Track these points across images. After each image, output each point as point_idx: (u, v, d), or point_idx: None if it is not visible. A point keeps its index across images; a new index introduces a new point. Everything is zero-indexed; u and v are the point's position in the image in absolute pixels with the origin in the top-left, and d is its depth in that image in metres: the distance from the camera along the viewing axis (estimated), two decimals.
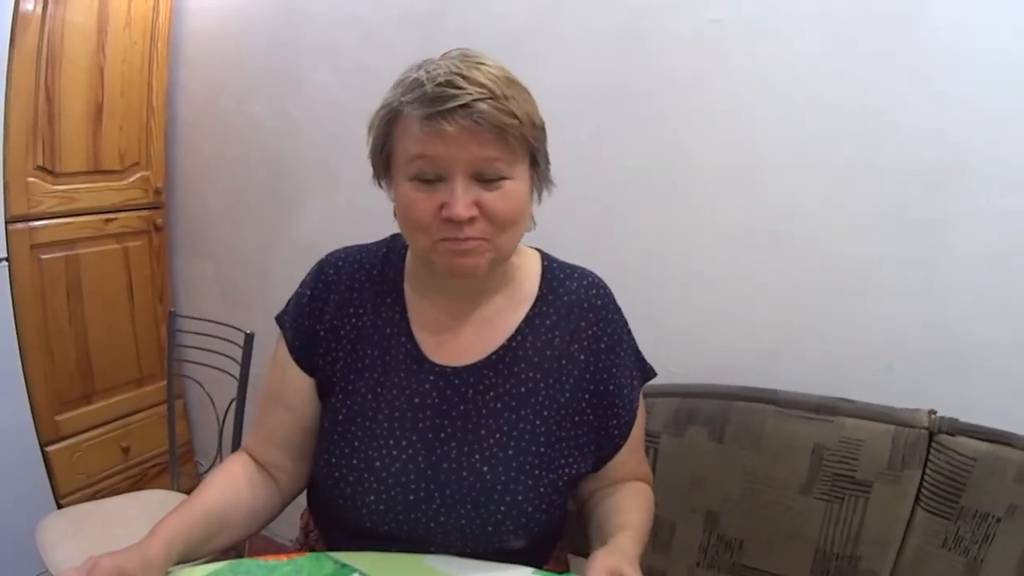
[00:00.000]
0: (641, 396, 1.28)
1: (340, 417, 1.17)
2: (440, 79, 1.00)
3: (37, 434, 2.35)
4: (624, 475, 1.27)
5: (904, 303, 1.59)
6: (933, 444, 1.45)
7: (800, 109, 1.62)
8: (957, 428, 1.44)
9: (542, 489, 1.14)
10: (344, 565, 1.14)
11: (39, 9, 2.15)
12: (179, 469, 2.33)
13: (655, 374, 1.31)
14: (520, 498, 1.12)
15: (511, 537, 1.15)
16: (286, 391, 1.21)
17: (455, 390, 1.16)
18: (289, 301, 1.25)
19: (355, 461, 1.14)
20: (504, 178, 1.05)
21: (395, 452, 1.13)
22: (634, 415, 1.24)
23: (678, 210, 1.80)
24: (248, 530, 1.20)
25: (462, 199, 1.02)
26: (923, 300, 1.57)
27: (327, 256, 1.25)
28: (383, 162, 1.11)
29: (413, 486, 1.12)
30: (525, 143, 1.07)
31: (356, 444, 1.14)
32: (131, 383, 2.65)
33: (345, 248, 1.26)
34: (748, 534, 1.58)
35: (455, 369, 1.17)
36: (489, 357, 1.17)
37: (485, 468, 1.13)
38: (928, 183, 1.52)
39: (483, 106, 1.00)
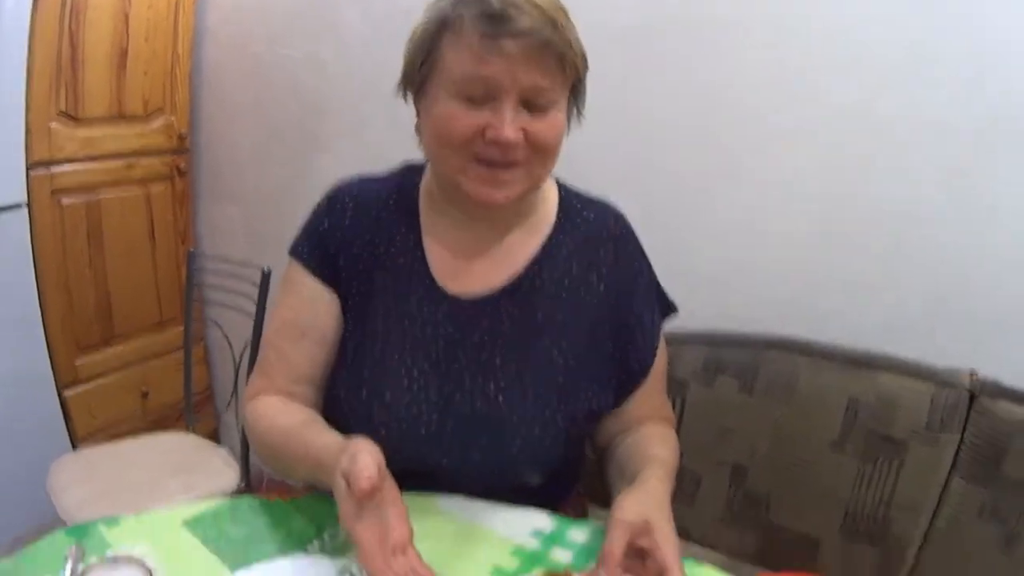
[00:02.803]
0: (662, 335, 1.23)
1: (351, 346, 1.13)
2: None
3: (55, 378, 2.33)
4: (646, 415, 1.22)
5: (945, 262, 1.52)
6: (974, 407, 1.39)
7: (842, 58, 1.56)
8: (1000, 391, 1.37)
9: (560, 423, 1.09)
10: None
11: None
12: (194, 413, 2.30)
13: (676, 310, 1.26)
14: (537, 430, 1.08)
15: (527, 473, 1.10)
16: (316, 322, 1.15)
17: (470, 320, 1.11)
18: (301, 233, 1.19)
19: (364, 393, 1.09)
20: (551, 106, 1.01)
21: (406, 383, 1.09)
22: (655, 350, 1.20)
23: (712, 154, 1.74)
24: None
25: (512, 122, 0.98)
26: (965, 260, 1.51)
27: (339, 185, 1.20)
28: (420, 76, 1.05)
29: (425, 419, 1.08)
30: (575, 73, 1.03)
31: (366, 375, 1.10)
32: (151, 327, 2.62)
33: (357, 177, 1.21)
34: (775, 491, 1.51)
35: (470, 299, 1.12)
36: (505, 286, 1.13)
37: (500, 398, 1.08)
38: (972, 139, 1.46)
39: (547, 32, 0.96)
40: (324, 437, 1.01)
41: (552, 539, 1.06)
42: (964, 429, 1.39)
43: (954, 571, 1.42)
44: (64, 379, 2.36)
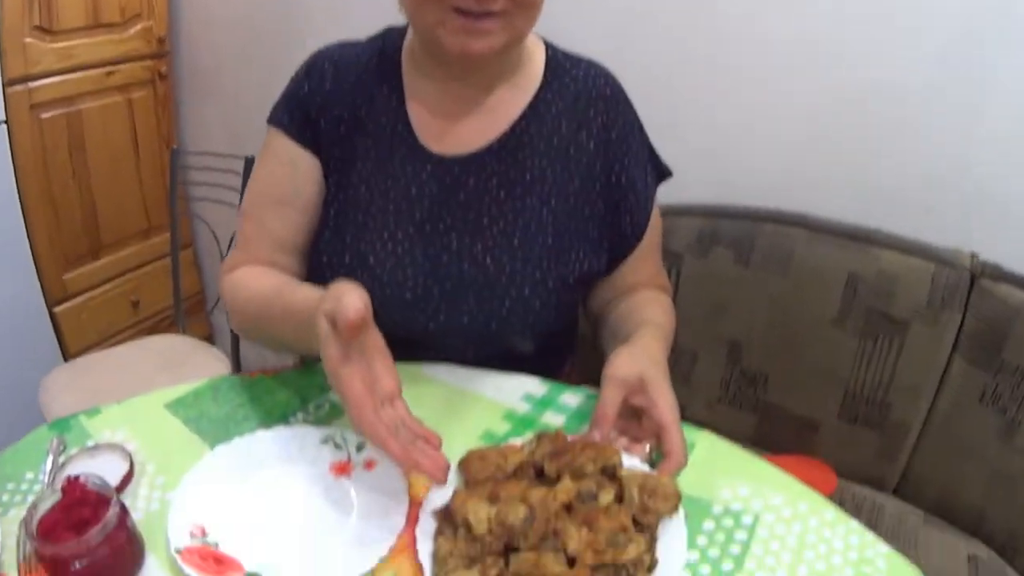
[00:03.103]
0: (656, 201, 1.19)
1: (332, 211, 1.09)
2: None
3: (44, 295, 2.30)
4: (641, 282, 1.18)
5: (946, 146, 1.47)
6: (975, 289, 1.35)
7: None
8: (1001, 275, 1.34)
9: (550, 283, 1.06)
10: None
11: None
12: (186, 318, 2.28)
13: (671, 174, 1.21)
14: (527, 291, 1.04)
15: (517, 338, 1.07)
16: (297, 188, 1.10)
17: (455, 180, 1.07)
18: (280, 100, 1.14)
19: (347, 258, 1.06)
20: None
21: (390, 246, 1.05)
22: (648, 213, 1.16)
23: (709, 16, 1.65)
24: None
25: None
26: (966, 145, 1.45)
27: (319, 50, 1.14)
28: None
29: (410, 282, 1.04)
30: None
31: (348, 240, 1.06)
32: (139, 235, 2.58)
33: (337, 43, 1.15)
34: (773, 369, 1.49)
35: (455, 158, 1.07)
36: (491, 145, 1.08)
37: (488, 259, 1.04)
38: (975, 24, 1.39)
39: None
40: (305, 291, 0.96)
41: (544, 403, 1.04)
42: (965, 311, 1.35)
43: (954, 460, 1.40)
44: (53, 296, 2.33)
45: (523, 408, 1.02)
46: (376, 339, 0.83)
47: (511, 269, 1.05)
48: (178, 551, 0.76)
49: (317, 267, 1.10)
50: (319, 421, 0.99)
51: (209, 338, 2.83)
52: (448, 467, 0.79)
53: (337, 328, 0.78)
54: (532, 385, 1.07)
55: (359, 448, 0.92)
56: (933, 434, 1.42)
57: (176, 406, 1.01)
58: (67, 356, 2.36)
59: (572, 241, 1.09)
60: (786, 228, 1.44)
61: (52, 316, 2.33)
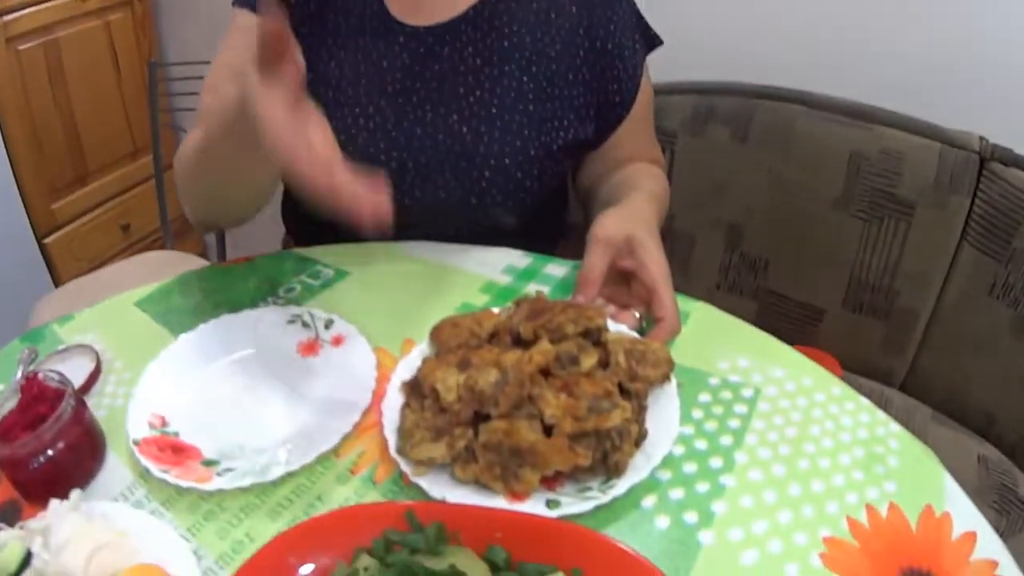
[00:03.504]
0: (647, 71, 1.12)
1: None
2: None
3: (32, 228, 2.28)
4: (632, 155, 1.13)
5: (952, 24, 1.39)
6: (984, 171, 1.27)
7: None
8: (1011, 159, 1.26)
9: (532, 152, 1.00)
10: (306, 259, 1.02)
11: None
12: (177, 238, 2.24)
13: (661, 42, 1.14)
14: (507, 161, 0.99)
15: (499, 211, 1.02)
16: None
17: (429, 50, 1.01)
18: None
19: None
20: None
21: (361, 121, 1.00)
22: (638, 81, 1.09)
23: None
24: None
25: None
26: (974, 26, 1.38)
27: None
28: None
29: (383, 157, 0.99)
30: None
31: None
32: (126, 157, 2.54)
33: None
34: (775, 253, 1.42)
35: (428, 28, 1.01)
36: (466, 13, 1.02)
37: (464, 129, 0.99)
38: None
39: None
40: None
41: (527, 274, 0.98)
42: (974, 196, 1.28)
43: (963, 355, 1.35)
44: (42, 227, 2.31)
45: (504, 280, 0.97)
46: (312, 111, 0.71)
47: (489, 139, 0.99)
48: (136, 443, 0.73)
49: None
50: (289, 303, 0.95)
51: (203, 255, 2.78)
52: (390, 215, 0.67)
53: (259, 47, 0.67)
54: (515, 257, 1.02)
55: (327, 325, 0.88)
56: (941, 326, 1.36)
57: (145, 303, 0.98)
58: (59, 286, 2.31)
59: (556, 109, 1.03)
60: (785, 105, 1.36)
61: (42, 247, 2.32)
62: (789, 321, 1.44)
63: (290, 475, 0.71)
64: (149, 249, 2.51)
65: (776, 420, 0.76)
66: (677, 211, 1.09)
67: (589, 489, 0.67)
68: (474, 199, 1.00)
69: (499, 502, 0.66)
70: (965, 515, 0.66)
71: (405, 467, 0.69)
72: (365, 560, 0.58)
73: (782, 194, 1.37)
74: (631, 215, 0.90)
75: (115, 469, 0.74)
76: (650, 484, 0.69)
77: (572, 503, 0.65)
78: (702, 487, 0.69)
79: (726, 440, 0.74)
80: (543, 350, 0.72)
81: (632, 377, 0.73)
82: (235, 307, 0.93)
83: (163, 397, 0.80)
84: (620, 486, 0.67)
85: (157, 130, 2.09)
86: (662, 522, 0.66)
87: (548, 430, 0.68)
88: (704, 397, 0.79)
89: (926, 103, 1.36)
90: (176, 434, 0.76)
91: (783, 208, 1.38)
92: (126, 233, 2.55)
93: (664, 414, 0.73)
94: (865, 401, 0.78)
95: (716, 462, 0.72)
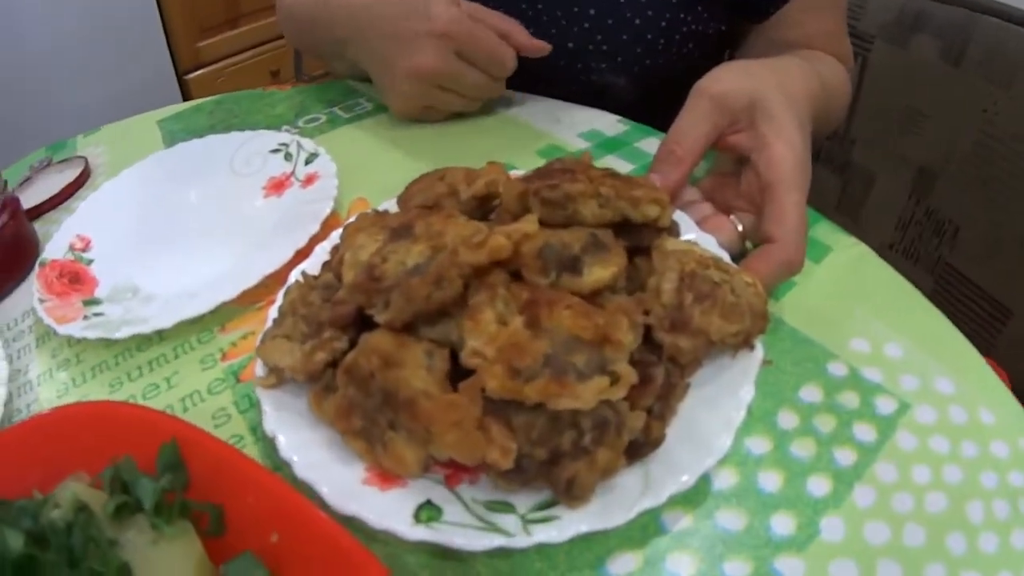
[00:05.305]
0: None
1: None
2: None
3: (173, 63, 2.22)
4: (808, 40, 0.81)
5: None
6: None
7: None
8: None
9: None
10: (354, 91, 0.84)
11: None
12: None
13: None
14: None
15: (605, 69, 0.80)
16: None
17: None
18: None
19: None
20: None
21: None
22: None
23: None
24: None
25: None
26: None
27: None
28: None
29: None
30: None
31: None
32: None
33: None
34: (969, 219, 1.07)
35: None
36: None
37: None
38: None
39: None
40: None
41: (611, 144, 0.71)
42: None
43: None
44: (184, 63, 2.24)
45: (577, 145, 0.71)
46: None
47: None
48: (43, 263, 0.64)
49: None
50: (305, 135, 0.78)
51: None
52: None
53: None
54: (607, 122, 0.75)
55: (309, 160, 0.71)
56: None
57: (168, 121, 0.87)
58: None
59: None
60: (1015, 27, 1.01)
61: (181, 83, 2.26)
62: (965, 312, 1.11)
63: (158, 339, 0.56)
64: None
65: (917, 474, 0.42)
66: (858, 139, 0.80)
67: (509, 509, 0.38)
68: (573, 45, 0.78)
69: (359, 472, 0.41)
70: None
71: (260, 371, 0.46)
72: (68, 496, 0.36)
73: (993, 140, 1.03)
74: (766, 72, 0.58)
75: (30, 289, 0.62)
76: (636, 538, 0.40)
77: (454, 527, 0.37)
78: (744, 567, 0.38)
79: (818, 486, 0.41)
80: (515, 230, 0.42)
81: (678, 325, 0.42)
82: (242, 130, 0.78)
83: (100, 218, 0.69)
84: (566, 526, 0.37)
85: None
86: None
87: (464, 376, 0.39)
88: (809, 394, 0.46)
89: None
90: (90, 262, 0.65)
91: (993, 162, 1.04)
92: (275, 78, 2.43)
93: (714, 410, 0.41)
94: None
95: (784, 523, 0.40)
